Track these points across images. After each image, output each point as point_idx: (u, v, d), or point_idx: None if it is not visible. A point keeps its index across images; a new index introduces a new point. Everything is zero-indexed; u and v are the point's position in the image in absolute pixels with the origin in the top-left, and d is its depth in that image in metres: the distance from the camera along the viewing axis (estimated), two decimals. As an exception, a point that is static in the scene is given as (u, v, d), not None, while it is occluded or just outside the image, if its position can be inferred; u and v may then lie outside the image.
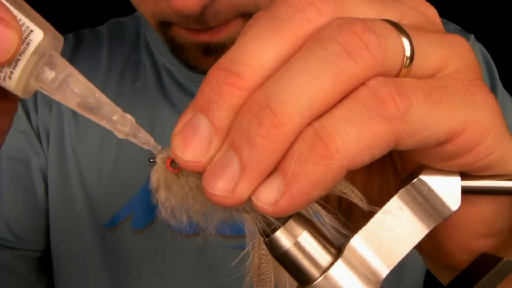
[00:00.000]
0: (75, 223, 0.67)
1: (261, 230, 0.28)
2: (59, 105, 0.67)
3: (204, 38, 0.53)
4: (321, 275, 0.27)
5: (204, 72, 0.58)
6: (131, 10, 0.72)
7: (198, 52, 0.56)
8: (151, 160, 0.27)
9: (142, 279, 0.65)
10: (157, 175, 0.28)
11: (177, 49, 0.58)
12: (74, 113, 0.64)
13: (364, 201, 0.27)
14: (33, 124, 0.69)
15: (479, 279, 0.27)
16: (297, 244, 0.27)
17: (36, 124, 0.69)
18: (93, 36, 0.74)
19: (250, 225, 0.28)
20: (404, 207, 0.28)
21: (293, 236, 0.27)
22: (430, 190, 0.28)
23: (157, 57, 0.71)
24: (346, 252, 0.28)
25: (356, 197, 0.28)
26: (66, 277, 0.69)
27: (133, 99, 0.68)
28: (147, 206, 0.64)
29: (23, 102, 0.69)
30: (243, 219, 0.28)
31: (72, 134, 0.67)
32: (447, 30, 0.82)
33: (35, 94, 0.69)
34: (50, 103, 0.69)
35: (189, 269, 0.63)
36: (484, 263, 0.28)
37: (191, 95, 0.68)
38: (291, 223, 0.28)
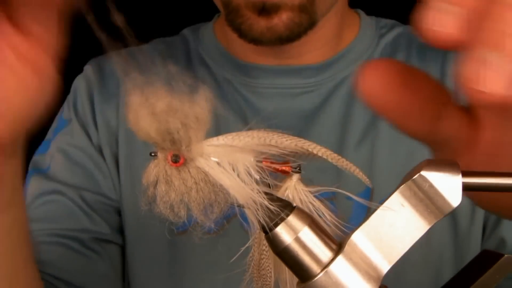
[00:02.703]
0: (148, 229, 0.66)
1: (261, 225, 0.28)
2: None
3: None
4: (321, 270, 0.27)
5: (253, 39, 0.60)
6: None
7: (253, 13, 0.58)
8: (152, 154, 0.27)
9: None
10: (157, 169, 0.28)
11: (232, 13, 0.60)
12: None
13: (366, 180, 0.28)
14: (93, 141, 0.68)
15: (481, 275, 0.27)
16: (298, 240, 0.27)
17: (98, 142, 0.68)
18: (140, 54, 0.73)
19: (251, 220, 0.28)
20: (405, 203, 0.28)
21: (294, 231, 0.27)
22: (431, 186, 0.28)
23: (215, 70, 0.71)
24: (347, 247, 0.28)
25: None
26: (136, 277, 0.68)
27: None
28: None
29: (81, 121, 0.69)
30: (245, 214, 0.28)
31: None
32: (381, 27, 0.79)
33: (93, 113, 0.69)
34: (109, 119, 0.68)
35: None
36: (485, 260, 0.28)
37: (248, 102, 0.68)
38: (292, 219, 0.28)
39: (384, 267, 0.28)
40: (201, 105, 0.27)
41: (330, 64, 0.68)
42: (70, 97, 0.72)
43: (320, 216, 0.29)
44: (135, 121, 0.26)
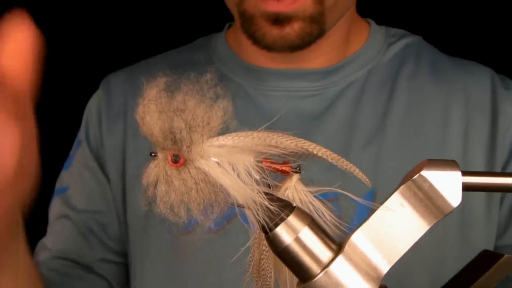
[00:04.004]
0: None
1: (261, 225, 0.28)
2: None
3: (275, 7, 0.60)
4: (321, 271, 0.27)
5: (266, 46, 0.64)
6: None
7: (267, 22, 0.61)
8: (152, 154, 0.27)
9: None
10: (157, 170, 0.28)
11: (247, 22, 0.64)
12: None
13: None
14: (100, 162, 0.72)
15: (481, 275, 0.27)
16: (298, 240, 0.27)
17: (103, 162, 0.71)
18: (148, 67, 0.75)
19: (251, 220, 0.28)
20: (405, 203, 0.28)
21: (294, 231, 0.27)
22: (431, 186, 0.28)
23: (227, 75, 0.73)
24: (347, 248, 0.28)
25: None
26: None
27: None
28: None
29: (91, 145, 0.71)
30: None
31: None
32: (390, 36, 0.84)
33: (101, 135, 0.71)
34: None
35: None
36: (485, 260, 0.28)
37: (256, 103, 0.70)
38: (292, 219, 0.28)
39: (384, 267, 0.28)
40: (217, 113, 0.27)
41: (337, 69, 0.70)
42: (84, 117, 0.75)
43: (320, 216, 0.29)
44: (143, 115, 0.26)
